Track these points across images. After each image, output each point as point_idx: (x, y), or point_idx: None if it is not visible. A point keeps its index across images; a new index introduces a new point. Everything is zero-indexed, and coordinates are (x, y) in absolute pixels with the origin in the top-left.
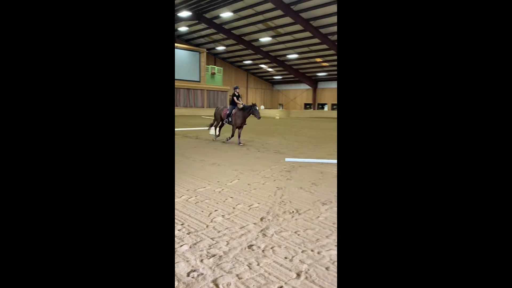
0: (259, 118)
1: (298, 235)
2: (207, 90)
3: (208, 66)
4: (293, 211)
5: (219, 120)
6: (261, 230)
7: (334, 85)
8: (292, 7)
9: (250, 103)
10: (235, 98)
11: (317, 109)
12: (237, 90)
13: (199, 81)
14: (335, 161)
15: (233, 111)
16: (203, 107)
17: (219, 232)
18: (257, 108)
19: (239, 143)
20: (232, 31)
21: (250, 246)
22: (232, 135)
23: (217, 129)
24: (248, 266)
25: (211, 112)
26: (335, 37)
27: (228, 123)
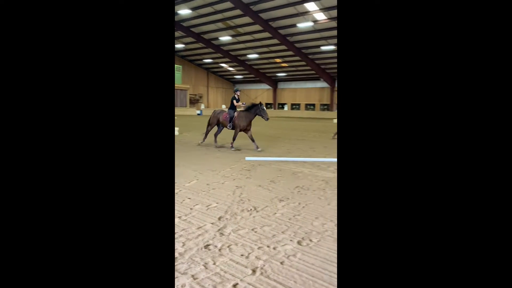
0: (267, 119)
1: (255, 232)
2: None
3: None
4: (251, 209)
5: (214, 126)
6: (219, 230)
7: (293, 85)
8: (251, 7)
9: (252, 103)
10: (234, 101)
11: (278, 109)
12: (238, 93)
13: None
14: (294, 158)
15: (235, 114)
16: None
17: (175, 234)
18: (264, 108)
19: (257, 148)
20: (191, 29)
21: (206, 246)
22: (234, 139)
23: (205, 134)
24: (204, 266)
25: None
26: (293, 39)
27: (230, 128)
